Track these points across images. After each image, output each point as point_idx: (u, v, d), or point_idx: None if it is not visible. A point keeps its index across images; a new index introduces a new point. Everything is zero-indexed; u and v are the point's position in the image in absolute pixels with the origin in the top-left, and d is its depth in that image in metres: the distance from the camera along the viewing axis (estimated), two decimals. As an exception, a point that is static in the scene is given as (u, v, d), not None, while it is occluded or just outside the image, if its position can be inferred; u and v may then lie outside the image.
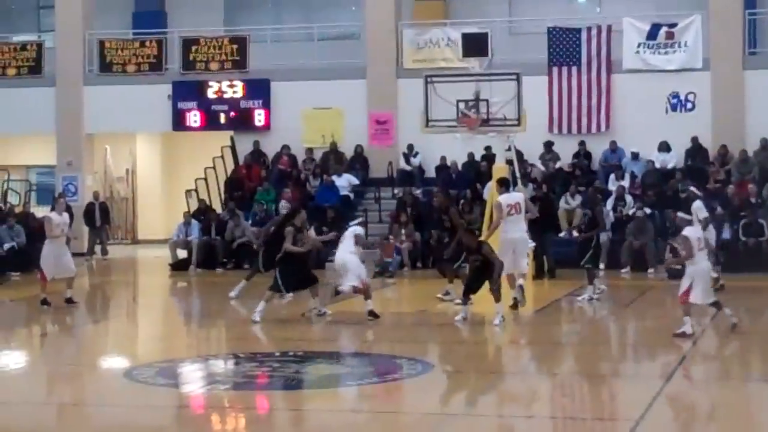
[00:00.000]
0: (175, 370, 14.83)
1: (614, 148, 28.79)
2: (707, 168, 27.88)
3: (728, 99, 28.41)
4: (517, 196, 19.42)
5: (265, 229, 21.33)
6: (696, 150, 28.33)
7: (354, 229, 18.86)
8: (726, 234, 25.41)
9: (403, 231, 25.99)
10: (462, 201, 27.26)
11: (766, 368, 14.96)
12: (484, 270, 17.47)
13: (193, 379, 14.45)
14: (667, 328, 18.17)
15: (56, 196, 20.48)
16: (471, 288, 17.73)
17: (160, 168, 35.20)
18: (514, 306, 18.77)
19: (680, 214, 18.68)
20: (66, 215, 20.19)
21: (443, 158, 29.03)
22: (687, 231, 16.54)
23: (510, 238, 18.78)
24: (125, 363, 15.64)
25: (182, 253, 27.76)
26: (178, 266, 27.28)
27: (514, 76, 23.34)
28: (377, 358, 15.75)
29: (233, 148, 31.19)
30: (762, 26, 30.09)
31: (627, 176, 27.98)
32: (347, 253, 18.31)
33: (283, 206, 26.21)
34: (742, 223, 25.26)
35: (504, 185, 19.35)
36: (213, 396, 13.25)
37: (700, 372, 14.66)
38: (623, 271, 25.32)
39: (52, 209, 20.74)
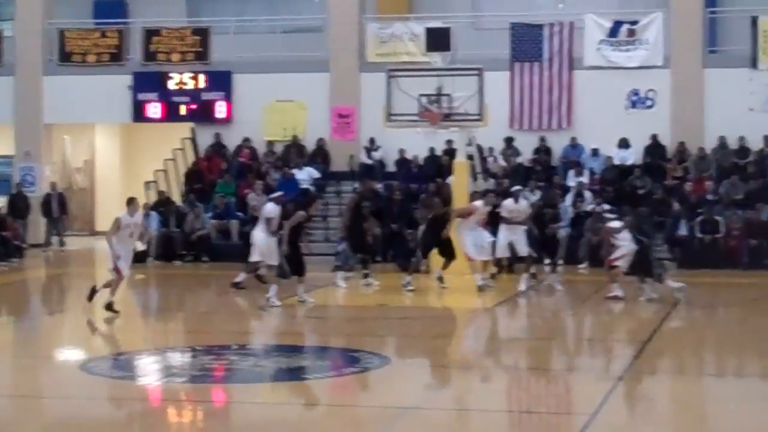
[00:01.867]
0: (132, 362, 14.82)
1: (574, 144, 28.93)
2: (665, 165, 28.09)
3: (687, 97, 28.59)
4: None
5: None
6: (655, 147, 28.52)
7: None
8: (683, 230, 25.64)
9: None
10: (423, 195, 27.32)
11: (720, 363, 15.11)
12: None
13: (149, 371, 14.43)
14: (624, 322, 18.36)
15: (130, 198, 19.54)
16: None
17: (119, 159, 35.03)
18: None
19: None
20: (139, 215, 19.21)
21: (401, 151, 29.05)
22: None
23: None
24: (81, 355, 15.60)
25: (140, 245, 27.58)
26: (136, 258, 26.94)
27: (476, 72, 23.45)
28: (335, 352, 15.80)
29: (194, 140, 31.09)
30: (722, 25, 30.34)
31: (586, 172, 28.13)
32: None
33: (252, 199, 26.19)
34: (698, 220, 25.49)
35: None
36: (169, 389, 13.24)
37: (656, 367, 14.78)
38: (581, 266, 25.48)
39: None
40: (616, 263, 19.73)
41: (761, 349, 16.11)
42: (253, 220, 25.16)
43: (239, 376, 13.88)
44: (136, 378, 14.05)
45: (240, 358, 14.86)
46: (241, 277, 21.14)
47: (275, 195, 21.89)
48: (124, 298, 23.16)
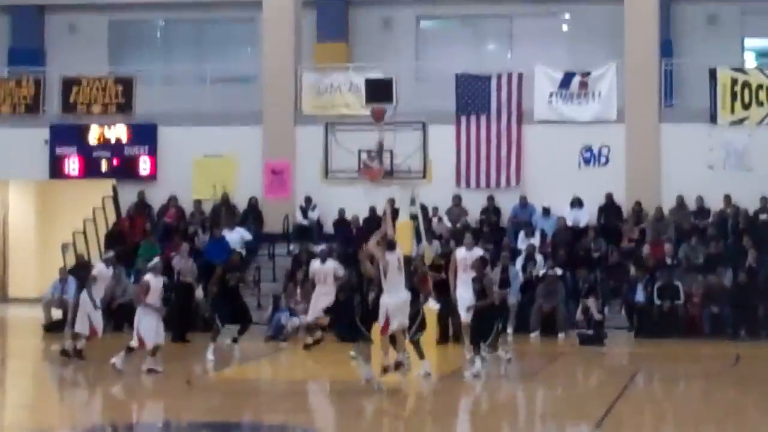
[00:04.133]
0: (47, 443, 14.63)
1: (524, 204, 29.09)
2: (621, 226, 28.31)
3: (643, 153, 28.90)
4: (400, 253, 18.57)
5: None
6: (609, 207, 28.75)
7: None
8: (640, 296, 25.79)
9: (298, 291, 25.91)
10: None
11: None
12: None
13: (66, 453, 14.26)
14: (579, 397, 18.40)
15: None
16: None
17: (34, 219, 34.68)
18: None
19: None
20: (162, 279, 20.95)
21: (341, 211, 29.04)
22: None
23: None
24: (-9, 435, 15.39)
25: (57, 313, 27.34)
26: (52, 327, 26.86)
27: (419, 125, 23.63)
28: (268, 430, 15.68)
29: (115, 198, 30.89)
30: (679, 77, 30.71)
31: (537, 234, 28.24)
32: None
33: (178, 263, 26.11)
34: (657, 286, 25.67)
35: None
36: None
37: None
38: (532, 335, 25.55)
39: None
40: None
41: (725, 426, 16.22)
42: (179, 286, 25.18)
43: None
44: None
45: (165, 438, 14.71)
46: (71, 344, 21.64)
47: (107, 255, 22.78)
48: (40, 372, 22.93)
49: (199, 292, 25.62)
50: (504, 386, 19.93)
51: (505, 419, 16.80)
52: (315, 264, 22.80)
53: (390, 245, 18.11)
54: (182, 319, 24.75)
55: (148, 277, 20.19)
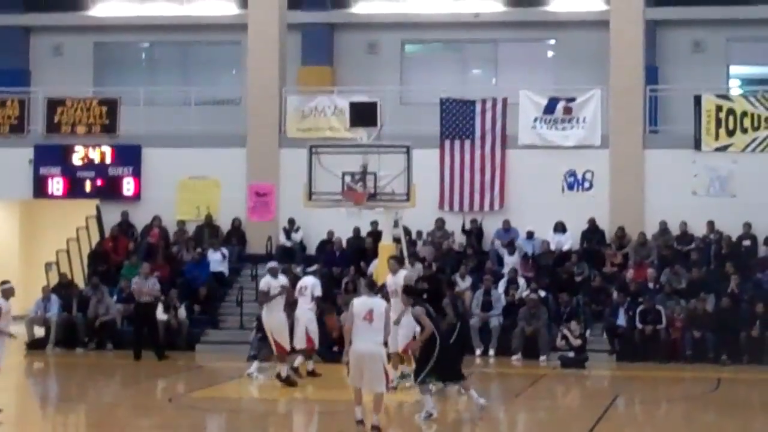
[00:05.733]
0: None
1: (507, 228, 29.22)
2: (604, 251, 28.47)
3: (627, 179, 29.04)
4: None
5: None
6: (593, 231, 28.89)
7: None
8: (622, 320, 25.94)
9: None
10: (346, 280, 27.44)
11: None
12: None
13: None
14: (560, 419, 18.50)
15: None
16: None
17: (18, 238, 34.68)
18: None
19: None
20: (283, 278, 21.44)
21: (330, 233, 29.17)
22: None
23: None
24: (-28, 450, 15.43)
25: (40, 331, 27.42)
26: (35, 345, 26.93)
27: (404, 149, 23.69)
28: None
29: (99, 218, 30.94)
30: (663, 103, 30.96)
31: (517, 255, 28.35)
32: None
33: (135, 282, 26.15)
34: (639, 310, 25.82)
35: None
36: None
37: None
38: (514, 358, 25.66)
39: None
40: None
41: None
42: (137, 306, 25.30)
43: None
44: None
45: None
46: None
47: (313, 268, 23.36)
48: (22, 389, 22.95)
49: (159, 312, 25.89)
50: (485, 408, 20.01)
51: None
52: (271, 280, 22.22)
53: (369, 286, 16.64)
54: (142, 338, 25.05)
55: None
